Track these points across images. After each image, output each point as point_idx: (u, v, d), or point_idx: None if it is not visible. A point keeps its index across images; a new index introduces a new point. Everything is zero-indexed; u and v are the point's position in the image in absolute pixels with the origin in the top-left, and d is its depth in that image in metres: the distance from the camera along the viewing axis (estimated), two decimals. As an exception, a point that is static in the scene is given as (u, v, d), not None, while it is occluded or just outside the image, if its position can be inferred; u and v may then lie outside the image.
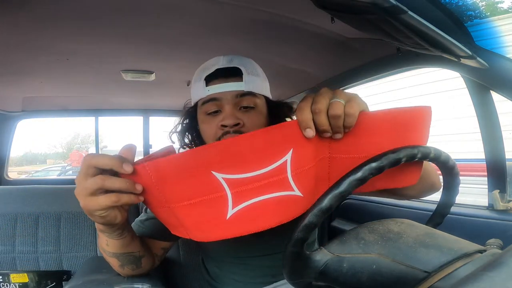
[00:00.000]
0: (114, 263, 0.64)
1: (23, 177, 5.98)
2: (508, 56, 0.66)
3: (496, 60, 0.67)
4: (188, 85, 1.37)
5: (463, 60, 0.65)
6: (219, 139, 0.66)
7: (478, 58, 0.63)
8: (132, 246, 0.61)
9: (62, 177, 6.20)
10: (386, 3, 0.46)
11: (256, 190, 0.40)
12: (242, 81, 0.66)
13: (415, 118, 0.44)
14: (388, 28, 0.56)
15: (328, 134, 0.42)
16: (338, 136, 0.42)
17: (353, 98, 0.42)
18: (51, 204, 1.16)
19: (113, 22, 0.81)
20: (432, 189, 0.63)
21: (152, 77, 1.25)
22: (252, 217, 0.41)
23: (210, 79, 0.67)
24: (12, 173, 1.91)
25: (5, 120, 1.70)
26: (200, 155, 0.39)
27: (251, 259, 0.75)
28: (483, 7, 0.62)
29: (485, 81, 0.75)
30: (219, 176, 0.39)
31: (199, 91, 0.68)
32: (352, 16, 0.59)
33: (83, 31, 0.85)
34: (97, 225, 0.51)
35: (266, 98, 0.73)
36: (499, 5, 0.64)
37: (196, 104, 0.72)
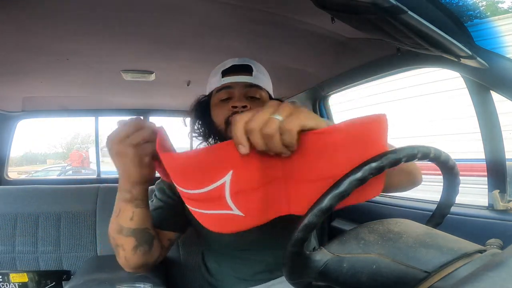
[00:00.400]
0: (129, 243, 0.65)
1: (23, 177, 5.98)
2: (508, 56, 0.66)
3: (496, 60, 0.67)
4: (188, 85, 1.37)
5: (463, 60, 0.65)
6: (228, 118, 0.75)
7: (478, 58, 0.63)
8: (149, 221, 0.66)
9: (62, 177, 6.21)
10: (386, 3, 0.46)
11: (198, 204, 0.44)
12: (251, 76, 0.78)
13: (371, 130, 0.40)
14: (388, 28, 0.56)
15: (272, 153, 0.39)
16: (284, 154, 0.39)
17: (295, 112, 0.38)
18: (51, 204, 1.16)
19: (113, 22, 0.81)
20: (414, 185, 0.67)
21: (152, 77, 1.25)
22: (203, 220, 0.45)
23: (225, 73, 0.79)
24: (12, 173, 1.91)
25: (5, 120, 1.70)
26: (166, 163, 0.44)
27: (252, 252, 0.77)
28: (483, 7, 0.62)
29: (485, 81, 0.75)
30: (175, 185, 0.44)
31: (215, 82, 0.80)
32: (352, 16, 0.59)
33: (83, 31, 0.85)
34: (130, 189, 0.59)
35: (269, 94, 0.83)
36: (499, 5, 0.64)
37: (210, 94, 0.83)
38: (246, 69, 0.78)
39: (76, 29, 0.84)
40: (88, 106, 1.82)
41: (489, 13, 0.62)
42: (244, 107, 0.74)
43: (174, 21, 0.82)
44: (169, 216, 0.77)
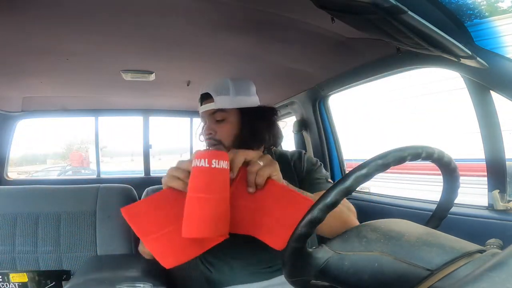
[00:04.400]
0: None
1: (23, 177, 5.98)
2: (508, 56, 0.66)
3: (496, 60, 0.67)
4: (188, 85, 1.37)
5: (463, 60, 0.65)
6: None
7: (478, 58, 0.63)
8: None
9: (62, 177, 6.20)
10: (386, 3, 0.46)
11: None
12: (213, 102, 0.84)
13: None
14: (388, 28, 0.56)
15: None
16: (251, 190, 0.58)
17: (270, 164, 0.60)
18: (51, 204, 1.16)
19: (113, 22, 0.81)
20: (345, 227, 0.65)
21: (152, 77, 1.25)
22: None
23: (200, 101, 0.88)
24: (12, 173, 1.91)
25: (5, 120, 1.69)
26: None
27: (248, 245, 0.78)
28: (483, 7, 0.62)
29: (485, 81, 0.75)
30: None
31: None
32: (352, 16, 0.59)
33: (83, 31, 0.85)
34: None
35: (241, 109, 0.86)
36: (499, 5, 0.64)
37: None
38: (208, 96, 0.85)
39: (76, 29, 0.84)
40: (88, 106, 1.82)
41: (489, 13, 0.62)
42: (210, 134, 0.84)
43: (174, 21, 0.82)
44: None
